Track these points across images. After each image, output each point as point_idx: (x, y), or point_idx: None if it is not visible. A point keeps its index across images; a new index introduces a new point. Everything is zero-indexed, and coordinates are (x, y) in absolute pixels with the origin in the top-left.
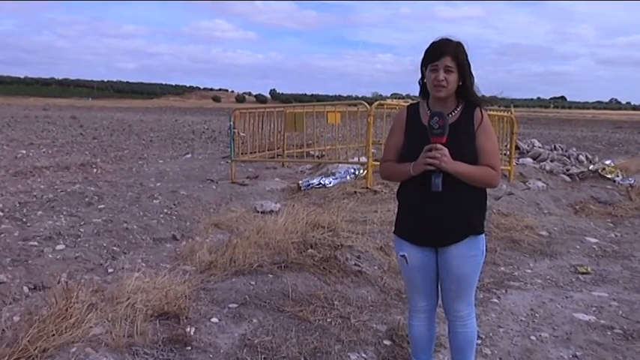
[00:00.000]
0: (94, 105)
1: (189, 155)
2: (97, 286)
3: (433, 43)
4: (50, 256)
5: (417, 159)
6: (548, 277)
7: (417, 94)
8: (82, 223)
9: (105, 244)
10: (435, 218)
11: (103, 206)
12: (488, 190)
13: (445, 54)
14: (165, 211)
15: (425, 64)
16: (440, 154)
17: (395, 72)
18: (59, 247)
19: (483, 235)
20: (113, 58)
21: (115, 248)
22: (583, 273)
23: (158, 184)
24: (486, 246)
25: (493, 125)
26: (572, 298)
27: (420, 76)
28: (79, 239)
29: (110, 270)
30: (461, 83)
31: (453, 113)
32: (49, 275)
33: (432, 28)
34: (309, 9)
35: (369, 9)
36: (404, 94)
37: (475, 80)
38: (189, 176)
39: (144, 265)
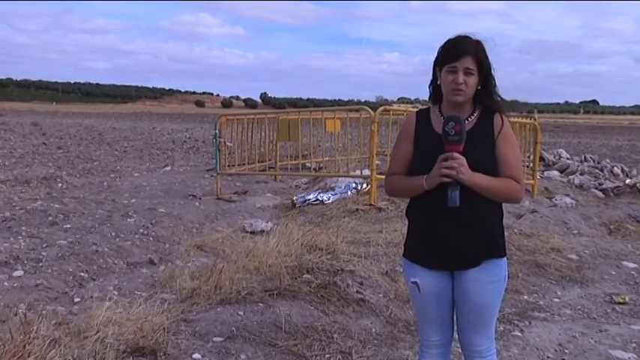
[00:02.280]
0: (59, 110)
1: (168, 168)
2: (61, 318)
3: (450, 40)
4: (6, 283)
5: (431, 171)
6: (578, 307)
7: (428, 97)
8: (44, 245)
9: (71, 270)
10: (451, 238)
11: (68, 226)
12: (508, 208)
13: (465, 54)
14: (141, 231)
15: (440, 64)
16: (457, 164)
17: (403, 73)
18: (17, 273)
19: (505, 258)
20: (81, 57)
21: (82, 274)
22: (620, 303)
23: (133, 200)
24: (508, 271)
25: (514, 133)
26: (607, 332)
27: (431, 77)
28: (41, 264)
29: (77, 299)
30: (480, 87)
31: (470, 119)
32: (4, 307)
33: (445, 23)
34: (306, 2)
35: (374, 2)
36: (412, 99)
37: (496, 83)
38: (169, 191)
39: (116, 293)
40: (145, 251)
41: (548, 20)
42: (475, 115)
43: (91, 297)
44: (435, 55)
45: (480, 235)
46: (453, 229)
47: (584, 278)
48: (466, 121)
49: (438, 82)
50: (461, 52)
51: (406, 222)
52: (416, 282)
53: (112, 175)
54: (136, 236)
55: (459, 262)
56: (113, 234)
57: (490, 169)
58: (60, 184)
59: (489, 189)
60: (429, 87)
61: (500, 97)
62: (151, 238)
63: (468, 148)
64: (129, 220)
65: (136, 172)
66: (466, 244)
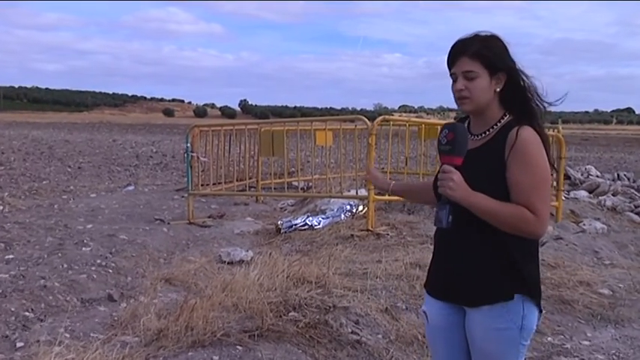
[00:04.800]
0: (0, 119)
1: (131, 187)
2: None
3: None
4: None
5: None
6: (613, 351)
7: (433, 105)
8: None
9: (13, 309)
10: (449, 267)
11: (11, 256)
12: None
13: (459, 55)
14: (99, 262)
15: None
16: (445, 178)
17: (405, 77)
18: None
19: (522, 301)
20: (28, 57)
21: (27, 314)
22: None
23: (89, 225)
24: (539, 317)
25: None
26: None
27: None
28: None
29: (19, 344)
30: (498, 89)
31: (488, 132)
32: None
33: (455, 19)
34: None
35: None
36: (416, 107)
37: (532, 84)
38: (132, 215)
39: (67, 335)
40: (103, 286)
41: (575, 16)
42: (495, 127)
43: (38, 341)
44: None
45: (480, 270)
46: (451, 257)
47: (619, 317)
48: (483, 135)
49: None
50: (454, 56)
51: (408, 250)
52: (425, 311)
53: (65, 197)
54: (93, 268)
55: (456, 296)
56: (65, 265)
57: (495, 196)
58: (1, 207)
59: (489, 213)
60: None
61: (543, 103)
62: (110, 270)
63: (469, 166)
64: (84, 248)
65: (92, 193)
66: (463, 277)
